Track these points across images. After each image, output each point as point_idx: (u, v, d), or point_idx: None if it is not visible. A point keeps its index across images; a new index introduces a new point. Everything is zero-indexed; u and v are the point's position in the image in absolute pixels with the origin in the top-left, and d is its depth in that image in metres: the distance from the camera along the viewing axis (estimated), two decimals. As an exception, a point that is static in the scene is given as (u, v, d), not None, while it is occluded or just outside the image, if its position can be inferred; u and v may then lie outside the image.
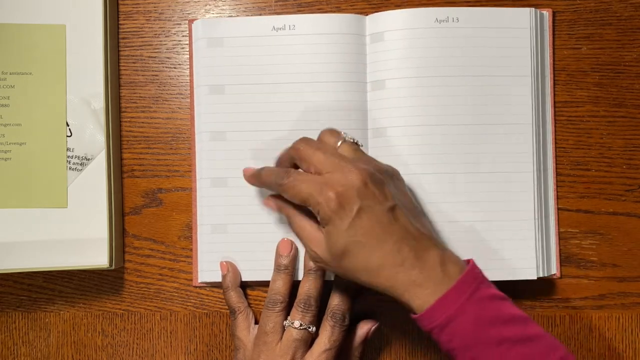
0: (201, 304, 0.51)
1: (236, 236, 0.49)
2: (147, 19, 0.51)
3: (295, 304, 0.46)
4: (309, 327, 0.45)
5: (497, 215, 0.48)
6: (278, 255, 0.48)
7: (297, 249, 0.48)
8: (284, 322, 0.45)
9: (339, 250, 0.40)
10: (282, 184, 0.42)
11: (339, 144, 0.43)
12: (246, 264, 0.49)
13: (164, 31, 0.51)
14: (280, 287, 0.46)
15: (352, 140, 0.43)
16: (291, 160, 0.44)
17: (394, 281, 0.39)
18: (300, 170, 0.43)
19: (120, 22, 0.51)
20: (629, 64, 0.50)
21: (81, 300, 0.51)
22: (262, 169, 0.45)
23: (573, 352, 0.49)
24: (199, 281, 0.50)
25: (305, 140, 0.43)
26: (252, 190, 0.49)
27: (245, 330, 0.47)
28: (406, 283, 0.39)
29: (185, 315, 0.51)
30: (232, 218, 0.49)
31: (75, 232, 0.49)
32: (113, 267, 0.48)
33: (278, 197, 0.46)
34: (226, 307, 0.50)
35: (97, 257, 0.49)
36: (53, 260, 0.49)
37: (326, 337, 0.45)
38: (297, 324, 0.44)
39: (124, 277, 0.51)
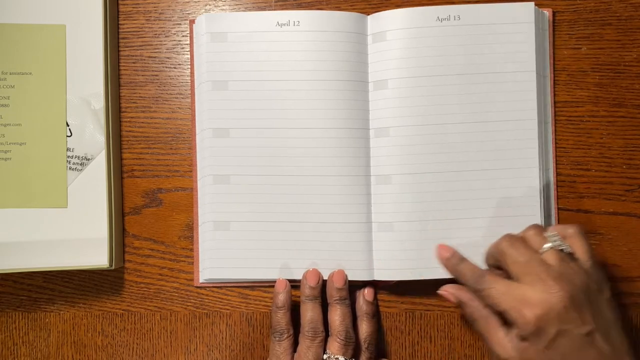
0: (201, 304, 0.51)
1: (239, 234, 0.49)
2: (147, 19, 0.51)
3: (333, 335, 0.45)
4: None
5: (503, 212, 0.48)
6: (306, 286, 0.47)
7: (322, 277, 0.48)
8: (324, 355, 0.45)
9: None
10: (479, 289, 0.42)
11: (545, 247, 0.41)
12: (248, 262, 0.49)
13: (164, 31, 0.51)
14: (315, 317, 0.46)
15: (559, 248, 0.41)
16: (495, 256, 0.43)
17: None
18: (496, 274, 0.43)
19: (120, 22, 0.51)
20: (629, 64, 0.50)
21: (81, 300, 0.51)
22: (461, 262, 0.45)
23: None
24: (201, 280, 0.50)
25: (509, 241, 0.42)
26: (255, 187, 0.48)
27: (289, 356, 0.46)
28: None
29: (185, 315, 0.51)
30: (235, 215, 0.49)
31: (75, 232, 0.49)
32: (113, 267, 0.48)
33: (460, 290, 0.45)
34: (226, 307, 0.50)
35: (97, 257, 0.49)
36: (53, 260, 0.49)
37: None
38: (341, 359, 0.44)
39: (124, 277, 0.51)
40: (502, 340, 0.41)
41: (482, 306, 0.43)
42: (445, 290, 0.46)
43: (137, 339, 0.51)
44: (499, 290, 0.41)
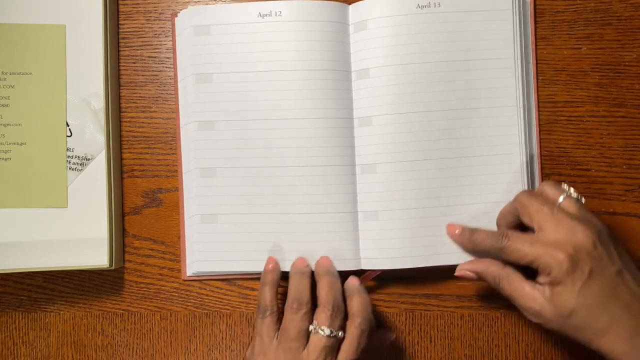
0: (201, 304, 0.51)
1: (226, 226, 0.48)
2: (147, 19, 0.51)
3: (321, 306, 0.44)
4: (339, 333, 0.43)
5: (488, 199, 0.47)
6: (296, 266, 0.46)
7: (310, 266, 0.47)
8: (310, 327, 0.43)
9: (567, 311, 0.40)
10: (503, 247, 0.42)
11: (561, 199, 0.43)
12: (236, 254, 0.48)
13: (164, 31, 0.51)
14: (301, 288, 0.44)
15: (575, 196, 0.43)
16: (514, 213, 0.44)
17: (614, 346, 0.39)
18: (514, 231, 0.43)
19: (120, 22, 0.51)
20: (629, 64, 0.50)
21: (81, 300, 0.51)
22: (474, 232, 0.45)
23: (575, 351, 0.49)
24: (188, 274, 0.50)
25: (527, 193, 0.44)
26: (241, 179, 0.48)
27: (273, 332, 0.44)
28: (628, 352, 0.39)
29: (185, 315, 0.51)
30: (222, 208, 0.48)
31: (75, 232, 0.49)
32: (113, 267, 0.48)
33: (474, 263, 0.45)
34: (226, 307, 0.50)
35: (97, 257, 0.49)
36: (53, 260, 0.49)
37: (354, 345, 0.43)
38: (327, 331, 0.42)
39: (124, 277, 0.51)
40: (530, 293, 0.41)
41: (501, 267, 0.43)
42: (461, 270, 0.45)
43: (137, 339, 0.51)
44: (525, 241, 0.41)
